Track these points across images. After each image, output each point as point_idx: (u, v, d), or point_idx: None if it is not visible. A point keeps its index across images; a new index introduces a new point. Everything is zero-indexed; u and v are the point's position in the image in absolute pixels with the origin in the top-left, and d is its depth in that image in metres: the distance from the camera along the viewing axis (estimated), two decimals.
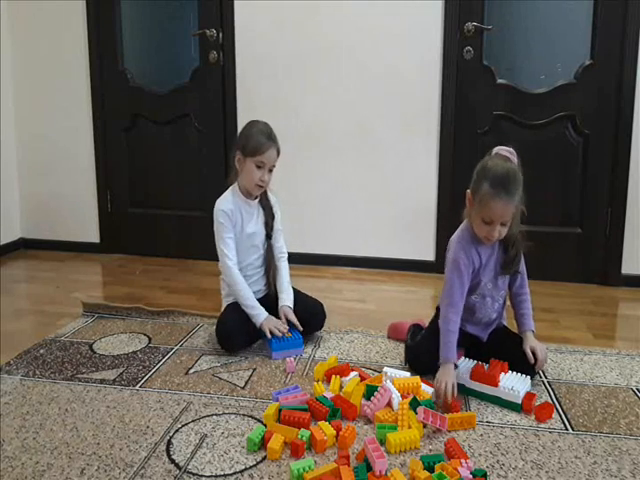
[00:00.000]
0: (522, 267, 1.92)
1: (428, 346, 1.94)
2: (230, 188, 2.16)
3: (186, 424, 1.64)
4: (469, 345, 1.96)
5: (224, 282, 2.19)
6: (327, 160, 3.14)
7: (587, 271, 2.97)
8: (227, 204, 2.11)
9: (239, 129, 3.20)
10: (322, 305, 2.23)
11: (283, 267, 2.23)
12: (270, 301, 2.16)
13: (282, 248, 2.26)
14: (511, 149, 1.78)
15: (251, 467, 1.45)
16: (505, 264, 1.86)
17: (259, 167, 2.07)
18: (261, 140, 2.07)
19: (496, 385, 1.74)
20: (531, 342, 1.86)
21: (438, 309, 2.00)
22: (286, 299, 2.16)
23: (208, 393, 1.81)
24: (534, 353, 1.82)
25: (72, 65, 3.35)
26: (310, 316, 2.16)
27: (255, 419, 1.66)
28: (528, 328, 1.90)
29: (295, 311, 2.13)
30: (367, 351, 2.13)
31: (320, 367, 1.90)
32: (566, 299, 2.75)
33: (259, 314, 2.08)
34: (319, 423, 1.57)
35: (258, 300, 2.13)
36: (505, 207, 1.70)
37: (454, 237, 1.89)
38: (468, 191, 1.80)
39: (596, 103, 2.85)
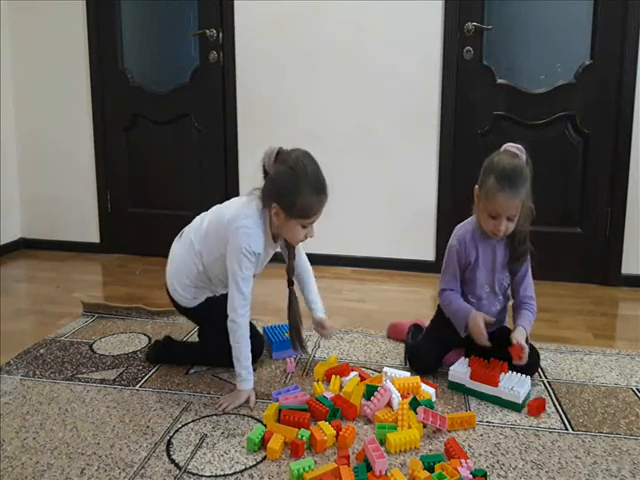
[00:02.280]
0: (528, 275, 1.89)
1: (428, 346, 1.95)
2: (262, 221, 1.74)
3: (186, 424, 1.64)
4: (468, 345, 1.96)
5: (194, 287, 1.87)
6: (327, 160, 3.12)
7: (587, 271, 2.97)
8: (259, 244, 1.72)
9: (239, 129, 3.25)
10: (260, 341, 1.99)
11: (309, 280, 2.04)
12: None
13: (306, 264, 2.07)
14: (520, 146, 1.79)
15: (251, 467, 1.45)
16: (512, 259, 1.85)
17: (305, 227, 1.73)
18: (311, 201, 1.67)
19: (496, 385, 1.74)
20: (518, 335, 1.78)
21: (439, 308, 2.01)
22: (319, 310, 2.01)
23: (208, 393, 1.81)
24: (518, 345, 1.75)
25: (72, 65, 3.35)
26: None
27: (255, 419, 1.66)
28: (520, 324, 1.83)
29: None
30: (367, 351, 2.13)
31: (320, 367, 1.90)
32: (566, 299, 2.75)
33: (249, 382, 1.75)
34: (319, 423, 1.57)
35: None
36: (510, 201, 1.72)
37: (458, 226, 1.92)
38: (476, 187, 1.81)
39: (596, 103, 2.85)
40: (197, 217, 1.94)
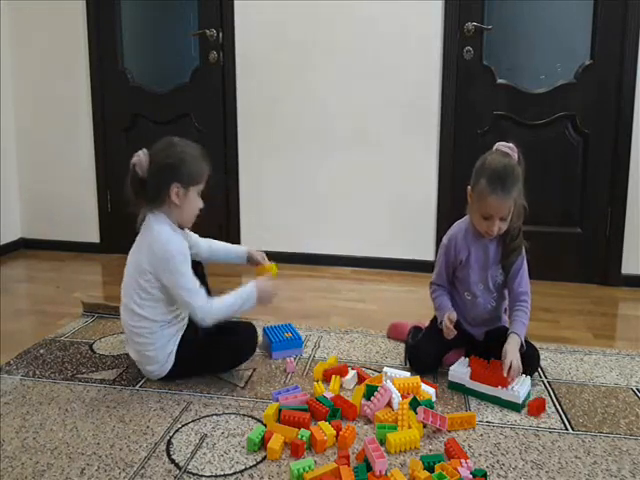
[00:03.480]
0: (522, 269, 1.89)
1: (428, 346, 1.95)
2: (167, 224, 1.79)
3: (186, 424, 1.64)
4: (468, 345, 1.97)
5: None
6: (327, 160, 3.15)
7: (587, 271, 2.97)
8: (180, 243, 1.78)
9: (239, 129, 3.25)
10: (254, 328, 1.95)
11: (214, 245, 2.04)
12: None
13: (204, 243, 2.02)
14: (511, 145, 1.80)
15: (251, 467, 1.45)
16: (504, 255, 1.86)
17: (199, 195, 1.83)
18: (200, 164, 1.79)
19: (496, 385, 1.74)
20: (509, 347, 1.75)
21: None
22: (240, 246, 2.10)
23: (208, 393, 1.81)
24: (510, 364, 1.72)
25: (72, 65, 3.35)
26: (243, 341, 1.89)
27: (255, 419, 1.66)
28: (513, 330, 1.80)
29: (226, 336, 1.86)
30: (367, 351, 2.13)
31: (320, 367, 1.90)
32: (566, 299, 2.75)
33: (250, 292, 1.82)
34: (319, 423, 1.57)
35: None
36: (502, 202, 1.73)
37: (454, 224, 1.96)
38: (469, 187, 1.83)
39: (596, 103, 2.85)
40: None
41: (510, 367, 1.71)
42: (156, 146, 1.78)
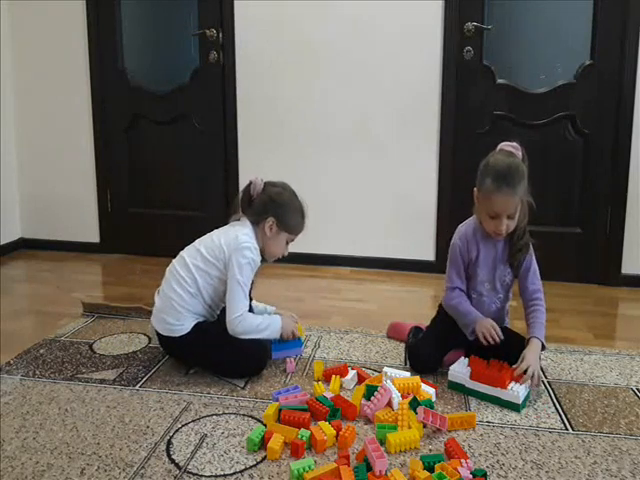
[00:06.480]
0: (532, 268, 1.91)
1: (429, 346, 1.95)
2: (255, 237, 1.93)
3: (186, 424, 1.64)
4: (468, 345, 1.97)
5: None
6: (327, 160, 3.15)
7: (587, 271, 2.97)
8: (258, 257, 1.91)
9: (239, 129, 3.25)
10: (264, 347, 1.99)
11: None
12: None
13: None
14: (515, 144, 1.81)
15: (251, 467, 1.45)
16: (511, 253, 1.87)
17: (287, 243, 2.00)
18: (300, 220, 1.98)
19: (496, 385, 1.74)
20: (529, 354, 1.76)
21: (439, 308, 2.01)
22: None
23: (208, 393, 1.81)
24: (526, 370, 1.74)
25: (72, 65, 3.35)
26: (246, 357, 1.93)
27: (255, 419, 1.66)
28: (533, 334, 1.83)
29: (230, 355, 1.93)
30: (367, 351, 2.13)
31: (318, 366, 1.90)
32: (566, 299, 2.75)
33: (276, 321, 1.96)
34: (319, 423, 1.57)
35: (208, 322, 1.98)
36: (508, 200, 1.74)
37: (461, 225, 1.94)
38: (475, 189, 1.83)
39: (596, 103, 2.85)
40: (179, 260, 1.95)
41: (525, 372, 1.72)
42: (274, 182, 1.98)
